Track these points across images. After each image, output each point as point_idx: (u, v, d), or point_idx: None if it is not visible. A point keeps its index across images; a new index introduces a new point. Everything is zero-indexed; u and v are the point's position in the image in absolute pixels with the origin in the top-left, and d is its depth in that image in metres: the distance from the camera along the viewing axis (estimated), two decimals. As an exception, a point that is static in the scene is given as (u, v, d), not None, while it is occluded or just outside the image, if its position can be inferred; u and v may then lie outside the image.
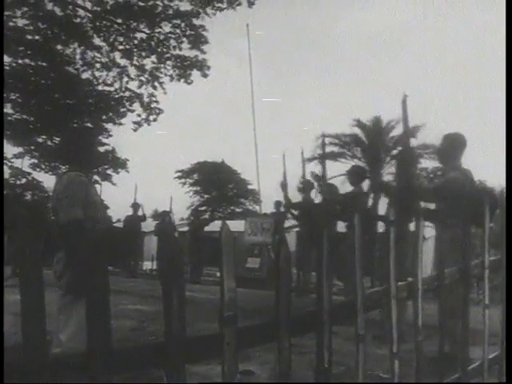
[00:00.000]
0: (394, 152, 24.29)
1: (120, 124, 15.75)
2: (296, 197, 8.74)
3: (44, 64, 14.38)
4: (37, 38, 13.94)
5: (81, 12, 13.91)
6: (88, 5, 13.84)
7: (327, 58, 53.25)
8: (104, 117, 15.58)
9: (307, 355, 3.23)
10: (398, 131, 25.35)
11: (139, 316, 5.75)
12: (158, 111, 15.34)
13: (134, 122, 15.21)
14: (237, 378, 1.67)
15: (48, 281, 1.51)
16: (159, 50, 14.49)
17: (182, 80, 14.76)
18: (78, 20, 13.99)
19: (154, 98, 15.18)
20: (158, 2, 13.76)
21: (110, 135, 17.05)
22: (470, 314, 2.64)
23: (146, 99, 15.15)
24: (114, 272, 12.27)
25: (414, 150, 5.54)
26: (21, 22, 13.46)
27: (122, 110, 15.26)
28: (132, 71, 14.96)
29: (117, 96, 15.17)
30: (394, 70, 51.43)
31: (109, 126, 16.27)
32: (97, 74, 15.00)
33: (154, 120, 15.37)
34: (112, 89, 15.12)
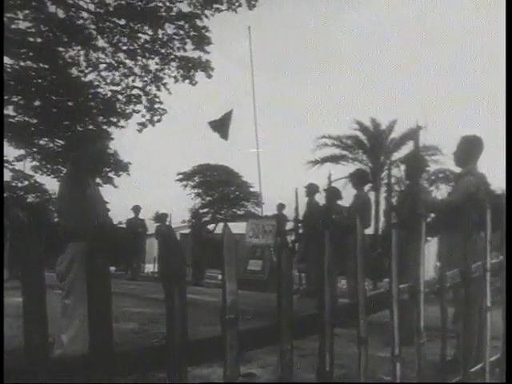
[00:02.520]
0: (395, 154, 24.35)
1: (122, 127, 15.77)
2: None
3: (46, 66, 14.41)
4: (39, 40, 13.98)
5: (83, 14, 13.97)
6: (91, 7, 13.89)
7: (328, 60, 53.25)
8: (105, 120, 15.59)
9: (309, 358, 3.23)
10: (398, 133, 25.42)
11: (141, 318, 5.75)
12: (161, 111, 15.38)
13: (139, 123, 15.25)
14: (239, 381, 1.67)
15: (49, 283, 1.51)
16: (163, 51, 14.54)
17: (187, 81, 14.79)
18: (81, 22, 14.05)
19: (157, 99, 15.22)
20: (159, 4, 13.81)
21: (112, 138, 17.07)
22: (472, 316, 2.64)
23: (150, 99, 15.19)
24: (116, 274, 12.29)
25: (424, 162, 5.53)
26: (23, 25, 13.52)
27: (128, 110, 15.29)
28: (136, 72, 15.02)
29: (121, 97, 15.21)
30: (392, 71, 51.38)
31: (111, 128, 16.29)
32: (101, 74, 15.05)
33: (158, 121, 15.40)
34: (118, 88, 15.15)
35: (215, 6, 13.57)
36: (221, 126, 11.79)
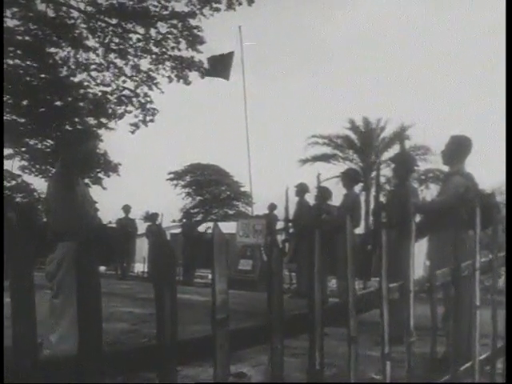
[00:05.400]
0: (386, 153, 24.48)
1: (112, 129, 15.68)
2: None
3: (35, 65, 14.31)
4: (28, 38, 13.86)
5: (74, 12, 13.86)
6: (81, 5, 13.79)
7: (320, 59, 53.44)
8: (96, 121, 15.48)
9: (300, 357, 3.23)
10: (388, 133, 25.58)
11: (131, 318, 5.73)
12: (153, 111, 15.30)
13: (132, 124, 15.15)
14: (229, 380, 1.66)
15: (39, 283, 1.49)
16: (157, 50, 14.48)
17: (181, 81, 14.74)
18: (71, 21, 13.94)
19: (148, 99, 15.14)
20: (153, 2, 13.74)
21: (101, 140, 16.98)
22: (463, 315, 2.65)
23: (141, 99, 15.10)
24: (106, 274, 12.24)
25: (413, 162, 5.58)
26: (11, 23, 13.40)
27: (120, 111, 15.19)
28: (127, 71, 14.92)
29: (113, 97, 15.10)
30: (385, 71, 51.64)
31: (101, 130, 16.17)
32: (91, 74, 14.94)
33: (151, 121, 15.32)
34: (109, 89, 15.05)
35: (214, 5, 13.51)
36: (222, 66, 12.10)
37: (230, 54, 12.29)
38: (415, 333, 2.28)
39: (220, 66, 12.22)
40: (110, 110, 15.20)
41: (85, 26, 14.08)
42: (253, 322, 1.87)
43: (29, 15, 13.37)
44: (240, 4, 13.43)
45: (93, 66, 14.84)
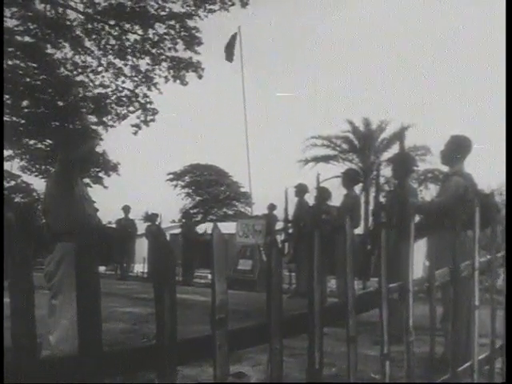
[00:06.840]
0: (385, 154, 24.49)
1: (112, 126, 15.66)
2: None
3: (35, 65, 14.30)
4: (27, 39, 13.87)
5: (73, 13, 13.87)
6: (80, 7, 13.79)
7: (320, 59, 53.44)
8: (97, 120, 15.48)
9: (299, 357, 3.24)
10: (388, 133, 25.58)
11: (130, 318, 5.73)
12: (153, 111, 15.30)
13: (133, 125, 15.14)
14: (228, 380, 1.67)
15: (38, 283, 1.49)
16: (154, 51, 14.49)
17: (178, 81, 14.76)
18: (70, 22, 13.95)
19: (148, 99, 15.14)
20: (151, 3, 13.76)
21: (101, 139, 16.98)
22: (461, 314, 2.65)
23: (141, 100, 15.11)
24: (105, 274, 12.24)
25: (412, 162, 5.54)
26: (10, 23, 13.40)
27: (124, 111, 15.19)
28: (127, 72, 14.93)
29: (114, 98, 15.09)
30: (383, 71, 51.67)
31: (100, 128, 16.16)
32: (90, 76, 14.95)
33: (152, 120, 15.32)
34: (109, 90, 15.05)
35: (208, 7, 13.53)
36: (225, 47, 12.10)
37: (234, 36, 12.23)
38: (414, 332, 2.29)
39: (224, 47, 12.24)
40: (113, 112, 15.22)
41: (82, 26, 14.10)
42: (252, 321, 1.88)
43: (27, 15, 13.37)
44: (233, 4, 13.46)
45: (91, 68, 14.86)
